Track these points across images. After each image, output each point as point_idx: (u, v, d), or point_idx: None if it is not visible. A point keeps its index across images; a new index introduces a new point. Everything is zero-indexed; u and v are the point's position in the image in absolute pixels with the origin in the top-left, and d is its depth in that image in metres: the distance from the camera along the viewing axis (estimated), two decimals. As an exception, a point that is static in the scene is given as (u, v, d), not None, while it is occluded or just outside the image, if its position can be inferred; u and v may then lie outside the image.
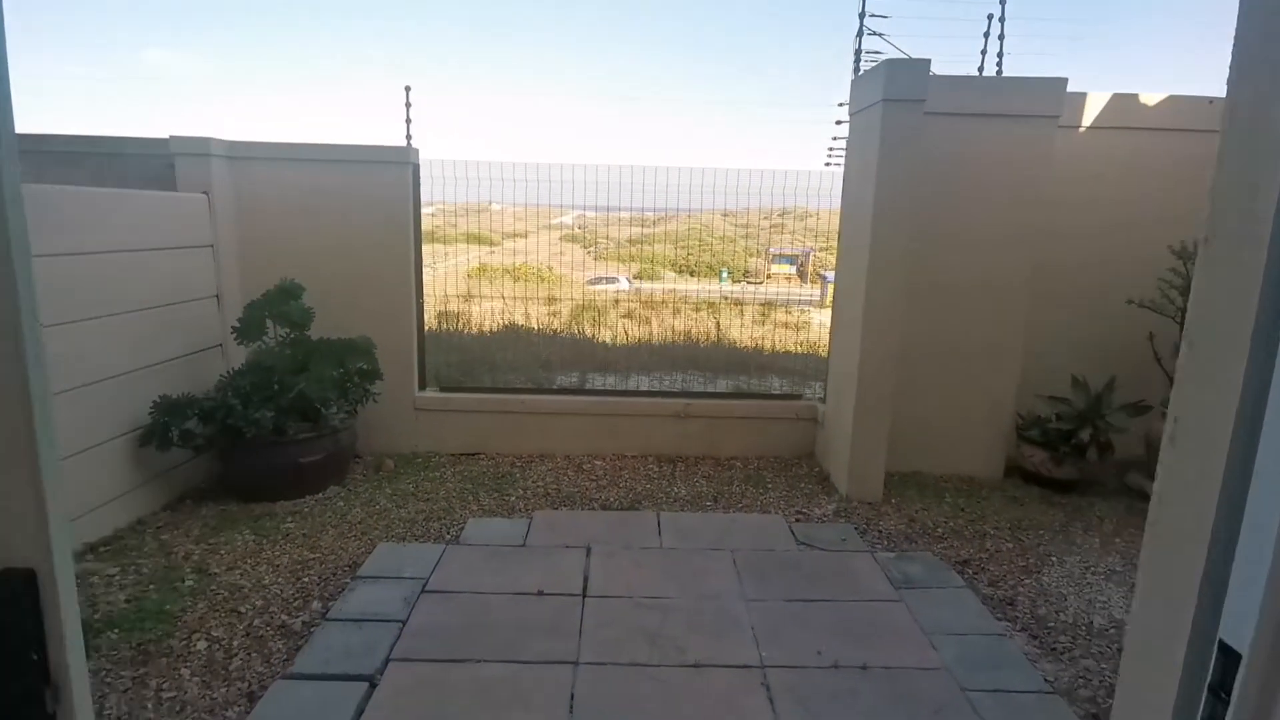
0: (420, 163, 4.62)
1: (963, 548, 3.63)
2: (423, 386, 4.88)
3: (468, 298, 6.89)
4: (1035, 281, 4.38)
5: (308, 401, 3.91)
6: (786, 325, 8.46)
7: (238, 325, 3.92)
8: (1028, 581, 3.33)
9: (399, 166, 4.50)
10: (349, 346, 4.19)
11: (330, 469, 4.14)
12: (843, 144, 4.65)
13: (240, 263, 4.51)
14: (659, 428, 4.89)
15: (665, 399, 4.94)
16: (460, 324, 6.76)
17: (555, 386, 5.29)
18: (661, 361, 6.77)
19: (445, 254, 6.44)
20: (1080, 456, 4.17)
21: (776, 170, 5.01)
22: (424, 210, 6.03)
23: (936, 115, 3.99)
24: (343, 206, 4.50)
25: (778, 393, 5.16)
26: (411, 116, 4.77)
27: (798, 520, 3.93)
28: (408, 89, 4.80)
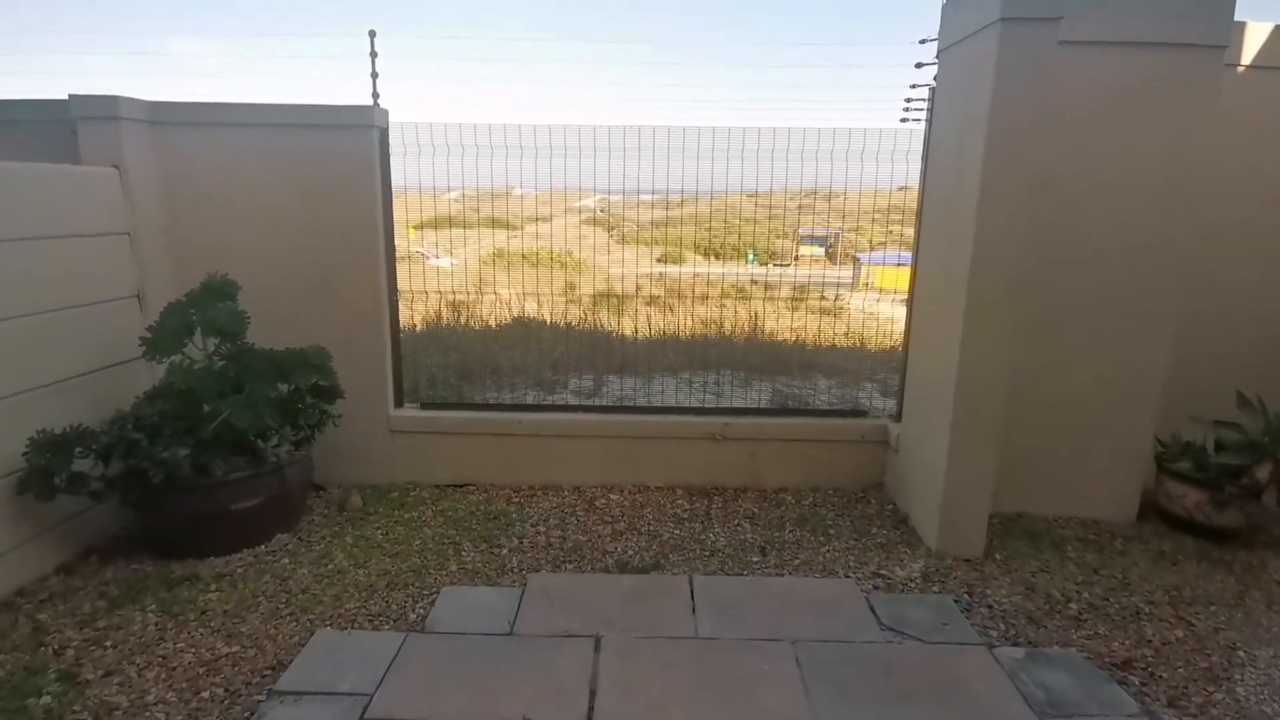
0: (390, 125, 3.69)
1: (1114, 636, 2.64)
2: (400, 403, 3.99)
3: (478, 287, 6.01)
4: (1185, 270, 3.34)
5: (239, 432, 3.04)
6: (822, 311, 7.53)
7: (147, 336, 3.05)
8: (1220, 697, 2.34)
9: (360, 131, 3.58)
10: (296, 359, 3.30)
11: (274, 514, 3.27)
12: (923, 94, 3.63)
13: (172, 254, 3.64)
14: (689, 452, 3.94)
15: (697, 417, 3.99)
16: (465, 317, 5.90)
17: (562, 403, 4.37)
18: (689, 360, 5.84)
19: (466, 239, 5.61)
20: (1253, 500, 3.15)
21: (824, 129, 3.93)
22: (449, 195, 5.14)
23: (1063, 46, 2.95)
24: (294, 182, 3.60)
25: (837, 408, 4.18)
26: (378, 69, 3.76)
27: (876, 587, 2.97)
28: (372, 34, 3.83)
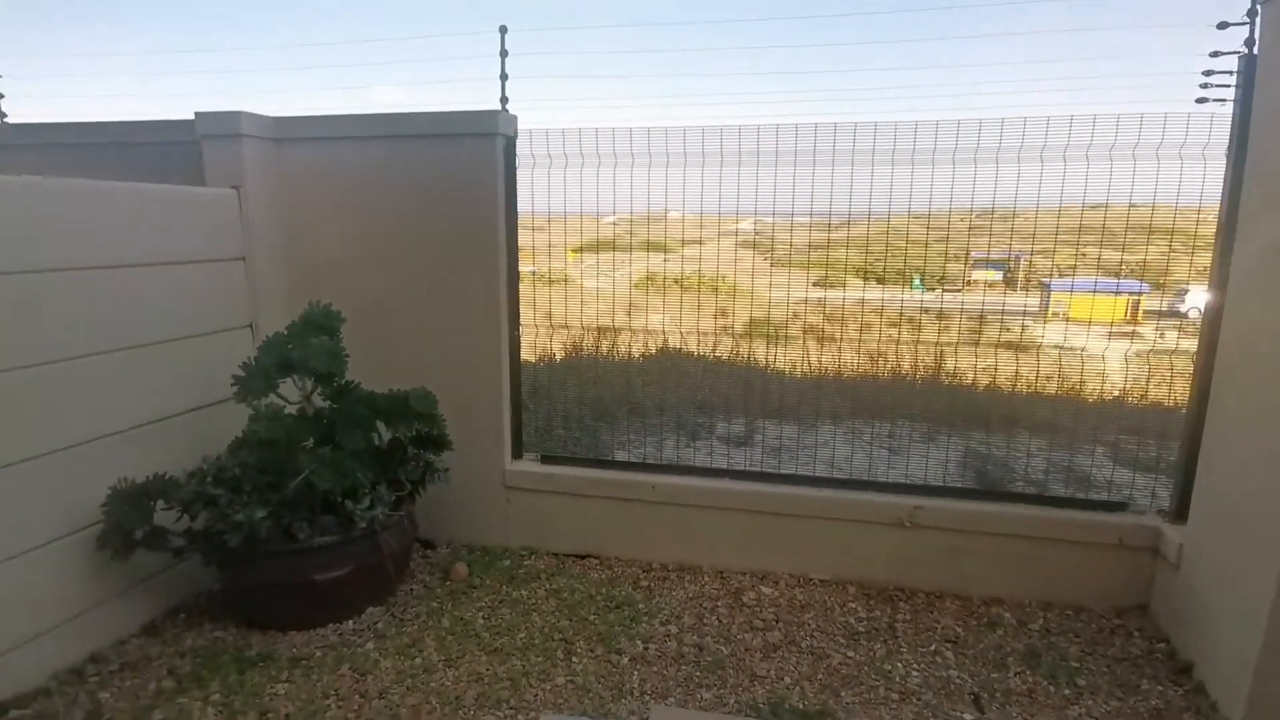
0: (520, 133, 3.20)
1: None
2: (518, 454, 3.45)
3: (627, 313, 5.53)
4: None
5: (324, 492, 2.60)
6: (1008, 345, 6.31)
7: (240, 375, 2.70)
8: None
9: (483, 139, 3.10)
10: (397, 405, 2.84)
11: (364, 585, 2.81)
12: (1227, 64, 2.56)
13: (288, 282, 3.36)
14: (867, 540, 3.06)
15: (878, 495, 3.10)
16: (608, 348, 5.39)
17: (704, 464, 3.62)
18: (857, 405, 4.93)
19: (620, 263, 5.23)
20: None
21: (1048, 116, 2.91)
22: (605, 220, 4.77)
23: None
24: (409, 199, 3.20)
25: (1080, 498, 3.10)
26: (508, 71, 3.30)
27: (1171, 800, 1.95)
28: (503, 30, 3.38)
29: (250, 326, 3.26)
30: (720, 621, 2.83)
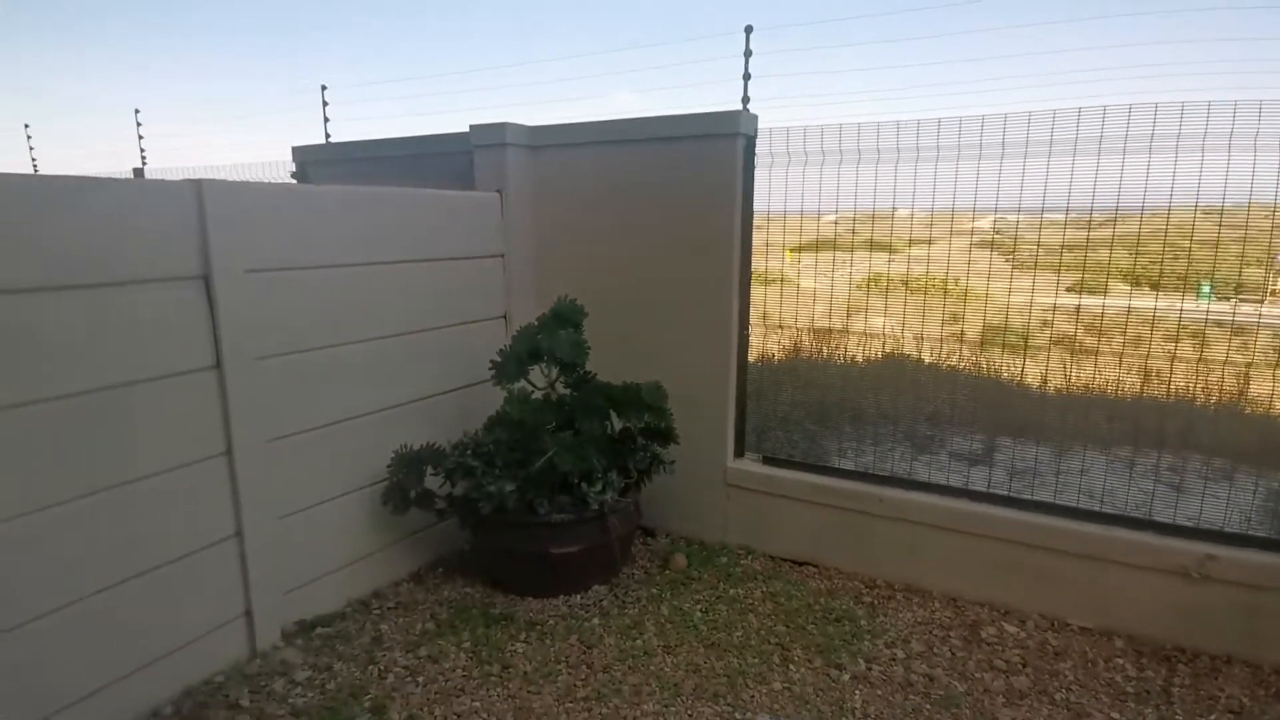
0: (759, 132, 3.19)
1: None
2: (740, 453, 3.46)
3: (845, 318, 5.33)
4: None
5: (563, 473, 2.80)
6: None
7: (497, 360, 3.00)
8: None
9: (724, 140, 3.13)
10: (630, 396, 2.97)
11: (592, 564, 2.99)
12: None
13: (537, 277, 3.67)
14: (1141, 587, 2.63)
15: (1159, 537, 2.65)
16: (831, 349, 5.21)
17: (940, 479, 3.33)
18: (1129, 429, 4.25)
19: (838, 264, 5.09)
20: None
21: None
22: (826, 218, 4.72)
23: None
24: (645, 199, 3.33)
25: None
26: (750, 71, 3.30)
27: None
28: (748, 29, 3.37)
29: (504, 317, 3.61)
30: (953, 654, 2.60)
